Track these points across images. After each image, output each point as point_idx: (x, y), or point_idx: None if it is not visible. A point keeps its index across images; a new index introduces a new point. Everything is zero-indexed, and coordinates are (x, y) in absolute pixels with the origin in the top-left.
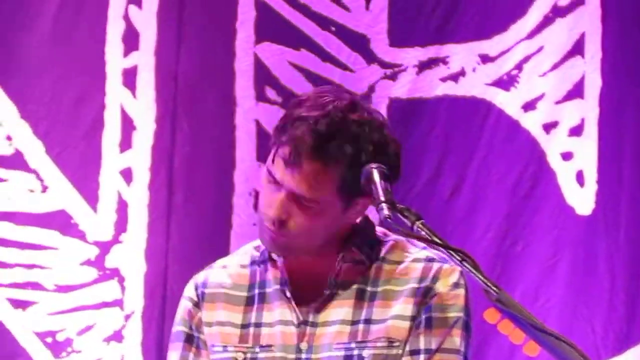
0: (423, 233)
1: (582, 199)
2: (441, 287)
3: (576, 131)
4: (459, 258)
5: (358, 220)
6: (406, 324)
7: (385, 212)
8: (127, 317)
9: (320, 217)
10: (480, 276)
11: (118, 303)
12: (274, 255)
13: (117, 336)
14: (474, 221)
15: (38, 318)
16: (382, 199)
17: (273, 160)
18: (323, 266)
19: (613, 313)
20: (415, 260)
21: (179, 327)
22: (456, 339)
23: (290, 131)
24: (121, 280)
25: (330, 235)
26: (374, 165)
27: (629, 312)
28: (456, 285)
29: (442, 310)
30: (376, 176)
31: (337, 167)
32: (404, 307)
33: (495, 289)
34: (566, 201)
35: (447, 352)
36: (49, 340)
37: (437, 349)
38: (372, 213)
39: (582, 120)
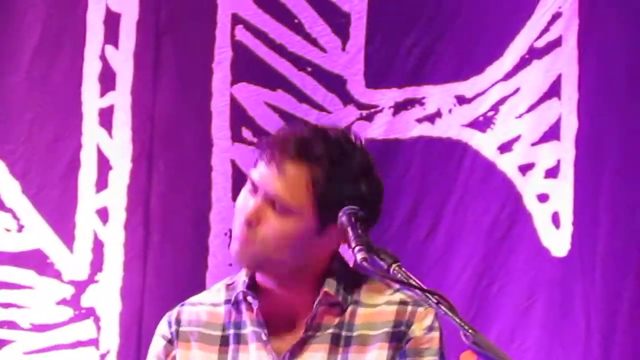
0: (399, 276)
1: (557, 241)
2: (416, 331)
3: (552, 173)
4: (435, 300)
5: (333, 261)
6: None
7: (362, 254)
8: (103, 356)
9: (292, 230)
10: (456, 318)
11: (94, 342)
12: (249, 298)
13: None
14: (449, 262)
15: (14, 357)
16: (358, 241)
17: (255, 165)
18: (298, 307)
19: (588, 355)
20: (389, 303)
21: None
22: None
23: (274, 138)
24: (97, 319)
25: (300, 264)
26: (348, 209)
27: (604, 354)
28: (430, 328)
29: (417, 354)
30: (352, 219)
31: (317, 173)
32: (379, 352)
33: (471, 331)
34: (542, 243)
35: None
36: None
37: None
38: (346, 254)
39: (558, 161)
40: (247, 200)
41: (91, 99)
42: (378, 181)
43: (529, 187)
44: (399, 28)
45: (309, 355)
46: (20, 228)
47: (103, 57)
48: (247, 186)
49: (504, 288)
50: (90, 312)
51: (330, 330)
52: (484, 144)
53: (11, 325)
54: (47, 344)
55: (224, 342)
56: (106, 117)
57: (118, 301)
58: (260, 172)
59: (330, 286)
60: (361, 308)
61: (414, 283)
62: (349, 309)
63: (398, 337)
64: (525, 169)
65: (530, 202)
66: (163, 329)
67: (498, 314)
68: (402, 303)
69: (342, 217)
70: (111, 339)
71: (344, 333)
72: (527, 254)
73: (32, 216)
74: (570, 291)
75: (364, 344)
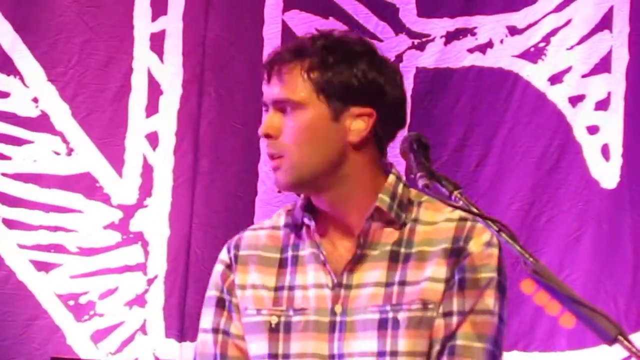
0: (461, 203)
1: (607, 173)
2: (474, 246)
3: (602, 105)
4: (496, 228)
5: (390, 180)
6: (440, 286)
7: (424, 180)
8: (150, 281)
9: (306, 121)
10: (517, 247)
11: (141, 267)
12: (306, 219)
13: (140, 300)
14: (499, 192)
15: (61, 281)
16: (420, 167)
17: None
18: (354, 227)
19: (636, 288)
20: (448, 220)
21: (211, 291)
22: (489, 300)
23: (268, 56)
24: (145, 244)
25: (332, 160)
26: (409, 134)
27: None
28: (489, 244)
29: (474, 271)
30: (414, 145)
31: (311, 63)
32: (437, 268)
33: (532, 259)
34: (591, 175)
35: (481, 314)
36: (72, 303)
37: (470, 310)
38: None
39: (609, 94)
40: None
41: (143, 23)
42: (383, 64)
43: (579, 119)
44: None
45: (367, 273)
46: (70, 151)
47: None
48: (263, 109)
49: (553, 219)
50: (138, 237)
51: (389, 248)
52: (535, 74)
53: (59, 248)
54: (95, 267)
55: (282, 264)
56: (157, 42)
57: (166, 226)
58: (265, 90)
59: (382, 202)
60: (420, 225)
61: (475, 210)
62: (408, 226)
63: (456, 253)
64: (575, 100)
65: (580, 134)
66: (223, 254)
67: (546, 245)
68: (462, 219)
69: (404, 143)
70: (159, 264)
71: (402, 250)
72: (576, 185)
73: (82, 140)
74: (619, 223)
75: (422, 260)
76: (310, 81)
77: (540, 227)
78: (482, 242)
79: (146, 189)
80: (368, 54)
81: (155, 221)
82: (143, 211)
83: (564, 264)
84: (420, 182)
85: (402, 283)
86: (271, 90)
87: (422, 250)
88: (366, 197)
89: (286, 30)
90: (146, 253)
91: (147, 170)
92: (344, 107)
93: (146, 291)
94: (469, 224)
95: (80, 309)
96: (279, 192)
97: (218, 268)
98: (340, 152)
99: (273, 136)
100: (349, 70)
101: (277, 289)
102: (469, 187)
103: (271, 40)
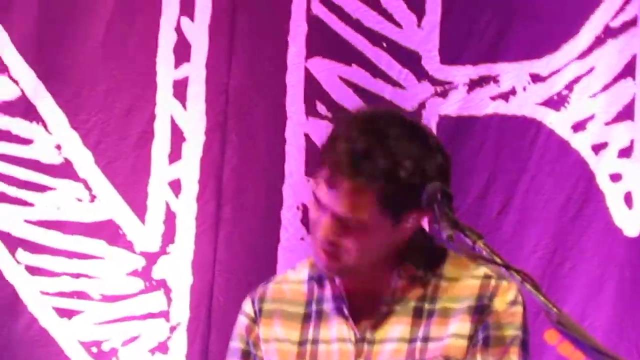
0: (484, 252)
1: (630, 221)
2: (498, 304)
3: (626, 152)
4: (520, 278)
5: (415, 236)
6: (464, 343)
7: (448, 231)
8: (173, 328)
9: (370, 237)
10: (541, 297)
11: (164, 314)
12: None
13: (162, 347)
14: (521, 240)
15: (84, 327)
16: (443, 218)
17: (317, 183)
18: (380, 282)
19: None
20: (473, 277)
21: (235, 343)
22: (513, 357)
23: (330, 152)
24: (167, 291)
25: (386, 252)
26: (436, 184)
27: None
28: (514, 302)
29: (499, 328)
30: (438, 196)
31: (374, 184)
32: (461, 325)
33: (556, 310)
34: (614, 222)
35: None
36: (94, 350)
37: None
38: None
39: (632, 141)
40: (319, 217)
41: (166, 71)
42: (442, 159)
43: (602, 167)
44: (474, 5)
45: (391, 328)
46: (93, 198)
47: (178, 29)
48: (315, 201)
49: (576, 267)
50: (161, 284)
51: (413, 304)
52: (558, 122)
53: (81, 295)
54: (117, 315)
55: (306, 318)
56: (180, 89)
57: (189, 273)
58: (324, 192)
59: (411, 261)
60: (444, 281)
61: (498, 260)
62: (432, 282)
63: (480, 310)
64: (598, 148)
65: (603, 182)
66: (247, 307)
67: (569, 292)
68: (486, 277)
69: (428, 194)
70: (182, 311)
71: (426, 306)
72: (598, 233)
73: (105, 187)
74: None
75: (446, 316)
76: (378, 202)
77: (563, 274)
78: (506, 300)
79: (169, 236)
80: (426, 155)
81: (178, 268)
82: (166, 258)
83: (586, 311)
84: (444, 233)
85: (426, 339)
86: (334, 201)
87: (446, 307)
88: (397, 253)
89: (309, 77)
90: (169, 300)
91: (170, 217)
92: (405, 212)
93: (169, 338)
94: (493, 281)
95: (103, 356)
96: (302, 239)
97: (242, 320)
98: (395, 243)
99: (333, 244)
100: (418, 181)
101: (301, 343)
102: (492, 235)
103: (294, 88)
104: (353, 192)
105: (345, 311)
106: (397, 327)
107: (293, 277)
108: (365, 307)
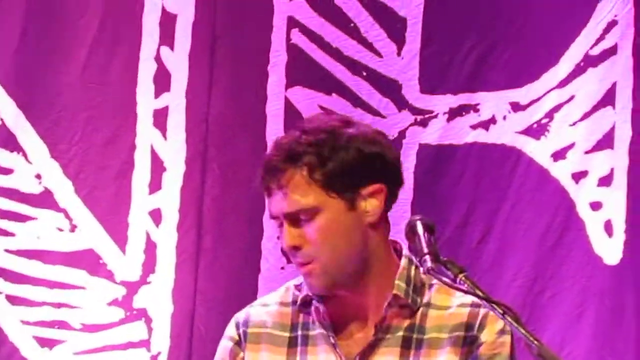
0: (466, 286)
1: (610, 249)
2: (487, 335)
3: (606, 181)
4: (501, 311)
5: (403, 264)
6: None
7: (429, 264)
8: (154, 357)
9: (327, 221)
10: (522, 330)
11: (145, 344)
12: (315, 302)
13: None
14: (501, 269)
15: (64, 357)
16: (426, 250)
17: (267, 205)
18: (368, 309)
19: None
20: (462, 305)
21: None
22: None
23: (262, 169)
24: (148, 321)
25: (360, 247)
26: (416, 217)
27: None
28: (502, 332)
29: (488, 359)
30: (419, 228)
31: (302, 166)
32: (450, 357)
33: (536, 342)
34: (594, 251)
35: None
36: None
37: None
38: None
39: (612, 170)
40: (281, 234)
41: (146, 100)
42: (373, 136)
43: (582, 195)
44: (454, 34)
45: (380, 358)
46: (73, 228)
47: (158, 58)
48: (274, 222)
49: (555, 296)
50: (141, 314)
51: (401, 333)
52: (538, 151)
53: (62, 325)
54: (98, 344)
55: (292, 343)
56: (161, 118)
57: (170, 303)
58: (270, 204)
59: (399, 289)
60: (432, 310)
61: (480, 294)
62: (420, 310)
63: (470, 342)
64: (578, 176)
65: (583, 210)
66: (231, 331)
67: (549, 322)
68: (474, 305)
69: (410, 225)
70: (162, 340)
71: (415, 335)
72: (579, 262)
73: (85, 216)
74: (622, 300)
75: (435, 347)
76: (315, 183)
77: (543, 303)
78: (495, 330)
79: (149, 266)
80: (353, 128)
81: (159, 298)
82: (146, 288)
83: (566, 340)
84: (425, 265)
85: None
86: (279, 205)
87: (434, 337)
88: (383, 280)
89: (289, 107)
90: (150, 330)
91: (151, 247)
92: (356, 192)
93: None
94: (482, 311)
95: None
96: (282, 268)
97: (226, 344)
98: (363, 237)
99: (298, 247)
100: (347, 154)
101: None
102: (472, 264)
103: (274, 117)
104: (283, 184)
105: (332, 340)
106: (386, 357)
107: (277, 299)
108: (353, 335)
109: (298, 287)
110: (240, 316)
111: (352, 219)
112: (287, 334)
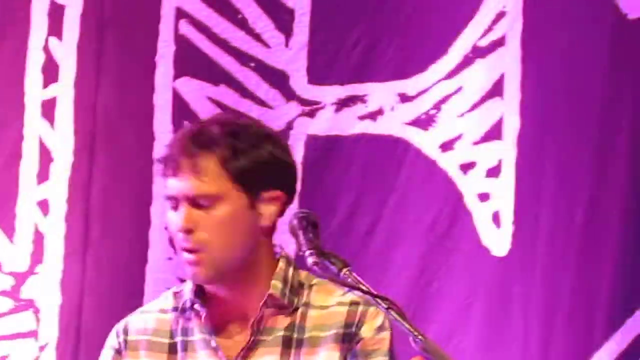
0: (349, 280)
1: (498, 240)
2: (366, 332)
3: (494, 172)
4: (385, 305)
5: (280, 265)
6: None
7: (313, 258)
8: (42, 348)
9: (226, 213)
10: (406, 324)
11: (33, 334)
12: (197, 305)
13: None
14: (389, 260)
15: None
16: (309, 245)
17: (166, 186)
18: (248, 311)
19: (527, 354)
20: (340, 303)
21: None
22: None
23: (167, 150)
24: (36, 311)
25: (248, 249)
26: (299, 212)
27: (542, 354)
28: (380, 328)
29: (366, 355)
30: (302, 222)
31: (213, 150)
32: (330, 354)
33: (421, 337)
34: (482, 242)
35: None
36: None
37: None
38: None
39: (500, 161)
40: (175, 217)
41: (34, 91)
42: (283, 143)
43: (470, 186)
44: (342, 25)
45: (261, 359)
46: None
47: (46, 49)
48: (169, 203)
49: (443, 287)
50: (29, 304)
51: (281, 334)
52: (426, 142)
53: None
54: None
55: (172, 349)
56: (49, 109)
57: (58, 293)
58: (172, 184)
59: (275, 288)
60: (312, 310)
61: (364, 288)
62: (300, 311)
63: (349, 338)
64: (466, 167)
65: (471, 201)
66: (112, 340)
67: (437, 312)
68: (353, 303)
69: (293, 221)
70: (50, 331)
71: (295, 335)
72: (467, 253)
73: None
74: (509, 291)
75: (315, 346)
76: (226, 172)
77: (431, 294)
78: (374, 326)
79: (37, 256)
80: (268, 133)
81: (47, 288)
82: (34, 278)
83: (455, 331)
84: (310, 260)
85: None
86: (183, 185)
87: (314, 336)
88: (262, 282)
89: (177, 98)
90: (37, 320)
91: (39, 238)
92: (258, 193)
93: (37, 358)
94: (360, 308)
95: None
96: (169, 258)
97: (107, 353)
98: (255, 239)
99: (191, 231)
100: (259, 155)
101: None
102: (360, 254)
103: (162, 108)
104: (195, 166)
105: (214, 343)
106: (266, 358)
107: (157, 307)
108: (234, 338)
109: (177, 294)
110: (120, 325)
111: (249, 218)
112: (166, 340)
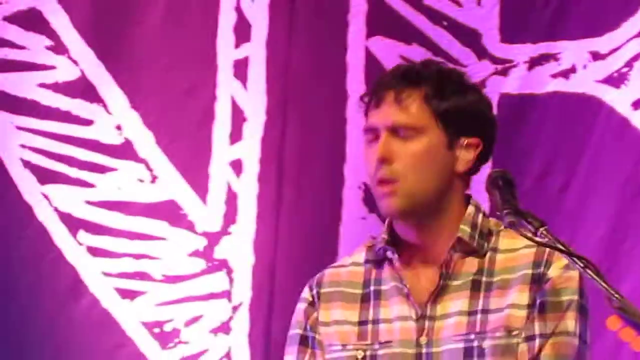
0: (546, 239)
1: None
2: (553, 271)
3: None
4: (582, 265)
5: (469, 211)
6: (523, 313)
7: (509, 217)
8: (235, 308)
9: (424, 148)
10: (603, 283)
11: (226, 294)
12: (389, 253)
13: (225, 328)
14: (582, 219)
15: (146, 308)
16: (506, 205)
17: (367, 119)
18: (437, 257)
19: None
20: (527, 246)
21: (293, 330)
22: (570, 322)
23: (376, 82)
24: (229, 271)
25: (442, 187)
26: (494, 171)
27: None
28: (568, 267)
29: (555, 294)
30: (499, 182)
31: (423, 88)
32: (519, 295)
33: (617, 296)
34: None
35: (562, 335)
36: (157, 330)
37: (552, 333)
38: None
39: None
40: (372, 149)
41: (226, 51)
42: (486, 97)
43: None
44: None
45: (450, 303)
46: (154, 179)
47: (238, 9)
48: (367, 139)
49: (636, 246)
50: (223, 264)
51: (470, 277)
52: (618, 100)
53: (143, 276)
54: (179, 295)
55: (364, 298)
56: (241, 69)
57: (251, 254)
58: (374, 115)
59: (463, 232)
60: (500, 254)
61: (561, 247)
62: (488, 255)
63: (537, 279)
64: None
65: None
66: (305, 293)
67: (630, 271)
68: (541, 245)
69: (489, 179)
70: (243, 291)
71: (484, 279)
72: None
73: (166, 167)
74: None
75: (504, 288)
76: (429, 108)
77: (624, 252)
78: (561, 265)
79: (230, 217)
80: (474, 84)
81: (240, 249)
82: (227, 238)
83: None
84: (506, 219)
85: (485, 311)
86: (386, 115)
87: (503, 279)
88: (451, 226)
89: (369, 57)
90: (231, 280)
91: (232, 198)
92: (457, 136)
93: (231, 319)
94: (548, 249)
95: (165, 337)
96: (363, 218)
97: (301, 306)
98: (450, 180)
99: (389, 160)
100: (463, 100)
101: (361, 323)
102: (553, 214)
103: (354, 67)
104: (399, 98)
105: (405, 290)
106: (456, 302)
107: (350, 261)
108: (423, 284)
109: (370, 248)
110: (314, 279)
111: (445, 158)
112: (360, 291)
